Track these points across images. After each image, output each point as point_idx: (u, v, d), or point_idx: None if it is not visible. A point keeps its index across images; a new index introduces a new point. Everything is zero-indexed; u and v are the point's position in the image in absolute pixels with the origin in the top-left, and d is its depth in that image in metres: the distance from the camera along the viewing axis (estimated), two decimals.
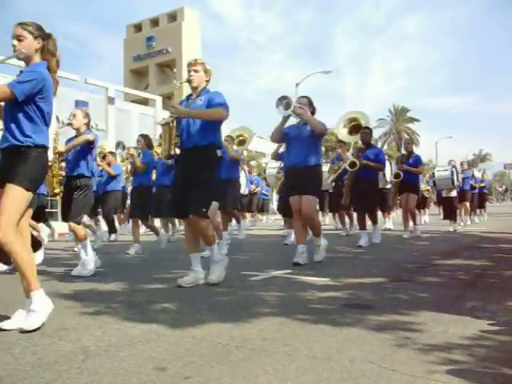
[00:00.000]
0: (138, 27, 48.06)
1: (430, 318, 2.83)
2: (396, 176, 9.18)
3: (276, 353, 2.24)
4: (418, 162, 9.20)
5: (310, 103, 5.54)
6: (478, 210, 15.58)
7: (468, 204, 13.40)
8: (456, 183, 10.48)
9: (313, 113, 5.54)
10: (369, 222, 7.83)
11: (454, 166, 10.82)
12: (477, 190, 14.78)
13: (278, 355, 2.21)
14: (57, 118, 5.08)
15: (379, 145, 56.81)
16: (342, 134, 7.71)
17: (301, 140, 5.35)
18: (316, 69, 28.93)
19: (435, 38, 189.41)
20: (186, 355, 2.22)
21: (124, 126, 25.40)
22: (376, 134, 57.71)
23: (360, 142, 7.75)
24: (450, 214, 11.09)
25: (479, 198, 15.90)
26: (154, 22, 46.97)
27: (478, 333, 2.52)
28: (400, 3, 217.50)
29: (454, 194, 10.93)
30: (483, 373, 1.96)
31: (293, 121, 5.54)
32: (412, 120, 62.27)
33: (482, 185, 16.03)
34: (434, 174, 11.32)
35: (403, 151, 9.80)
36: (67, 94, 23.98)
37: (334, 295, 3.59)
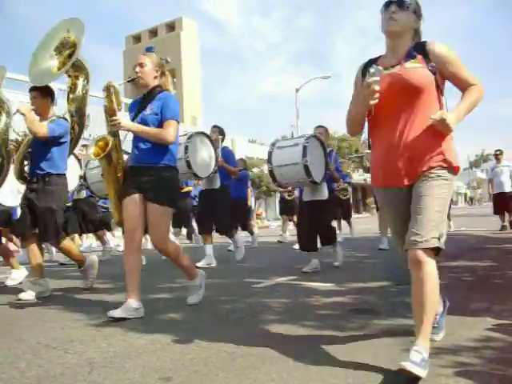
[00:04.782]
0: (137, 38, 48.36)
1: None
2: None
3: (281, 359, 2.23)
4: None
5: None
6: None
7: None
8: (319, 176, 5.03)
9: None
10: None
11: (315, 137, 5.22)
12: None
13: (282, 362, 2.20)
14: None
15: None
16: (51, 70, 4.23)
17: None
18: (316, 75, 29.09)
19: (435, 39, 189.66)
20: (191, 364, 2.22)
21: None
22: None
23: None
24: (309, 240, 5.31)
25: None
26: (153, 33, 47.27)
27: (484, 334, 2.51)
28: None
29: (323, 195, 5.27)
30: (490, 374, 1.95)
31: None
32: None
33: None
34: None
35: None
36: None
37: (338, 300, 3.58)
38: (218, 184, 6.22)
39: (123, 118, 3.36)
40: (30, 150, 4.30)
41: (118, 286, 4.81)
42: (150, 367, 2.20)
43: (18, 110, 4.10)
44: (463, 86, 2.19)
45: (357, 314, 3.12)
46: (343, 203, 9.82)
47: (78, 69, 4.37)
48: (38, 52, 4.31)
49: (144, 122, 3.36)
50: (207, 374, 2.08)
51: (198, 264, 5.80)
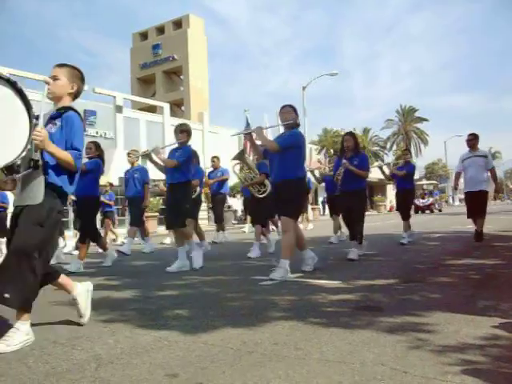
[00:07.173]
0: (143, 35, 48.35)
1: (441, 319, 2.81)
2: None
3: (287, 357, 2.24)
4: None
5: None
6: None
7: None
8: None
9: None
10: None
11: None
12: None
13: (289, 359, 2.20)
14: None
15: (388, 145, 56.58)
16: None
17: None
18: (324, 72, 28.87)
19: (443, 37, 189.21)
20: (198, 361, 2.22)
21: (132, 134, 25.53)
22: (385, 134, 57.38)
23: None
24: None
25: (402, 201, 8.48)
26: (160, 30, 47.22)
27: (491, 332, 2.50)
28: (406, 2, 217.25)
29: (31, 197, 2.72)
30: (496, 372, 1.94)
31: None
32: (420, 120, 61.92)
33: (401, 173, 8.40)
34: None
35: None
36: (76, 103, 24.10)
37: (345, 298, 3.58)
38: None
39: None
40: None
41: (123, 283, 4.84)
42: (157, 364, 2.21)
43: None
44: None
45: (363, 311, 3.12)
46: (260, 202, 7.00)
47: None
48: None
49: None
50: (214, 370, 2.09)
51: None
